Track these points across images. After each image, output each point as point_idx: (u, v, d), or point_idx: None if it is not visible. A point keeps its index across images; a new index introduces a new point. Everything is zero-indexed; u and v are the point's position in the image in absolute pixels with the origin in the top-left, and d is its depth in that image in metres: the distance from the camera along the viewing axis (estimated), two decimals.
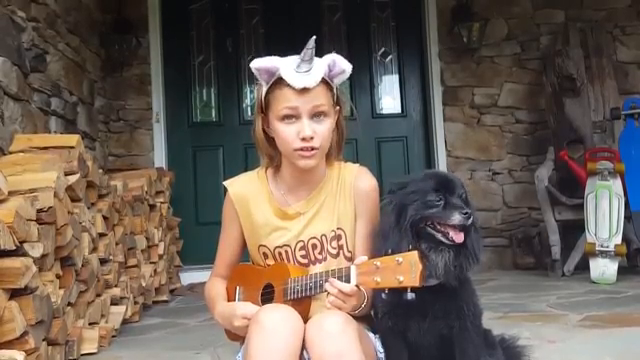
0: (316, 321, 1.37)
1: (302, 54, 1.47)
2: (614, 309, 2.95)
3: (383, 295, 1.41)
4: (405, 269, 1.25)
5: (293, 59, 1.50)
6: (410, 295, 1.28)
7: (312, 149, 1.50)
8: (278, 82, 1.50)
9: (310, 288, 1.42)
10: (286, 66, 1.48)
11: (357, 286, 1.35)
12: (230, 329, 1.54)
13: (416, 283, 1.24)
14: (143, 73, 4.88)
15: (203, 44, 5.12)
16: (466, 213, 1.38)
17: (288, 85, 1.48)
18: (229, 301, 1.62)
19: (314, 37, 1.47)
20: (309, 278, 1.44)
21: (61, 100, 3.66)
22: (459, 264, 1.39)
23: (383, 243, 1.39)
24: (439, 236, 1.40)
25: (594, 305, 3.05)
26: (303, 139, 1.48)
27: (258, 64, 1.51)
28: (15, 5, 3.09)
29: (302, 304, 1.46)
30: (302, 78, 1.47)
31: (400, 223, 1.39)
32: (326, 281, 1.38)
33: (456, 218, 1.38)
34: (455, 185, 1.44)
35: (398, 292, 1.32)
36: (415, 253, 1.27)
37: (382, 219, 1.48)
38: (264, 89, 1.54)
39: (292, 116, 1.49)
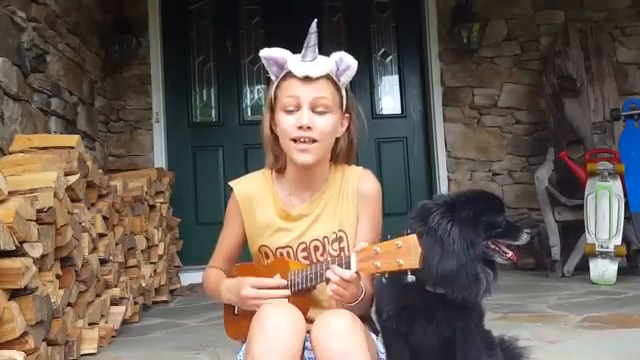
0: (323, 321, 1.37)
1: (306, 40, 1.49)
2: (614, 310, 2.95)
3: (383, 279, 1.41)
4: (405, 252, 1.25)
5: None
6: (410, 278, 1.27)
7: (310, 141, 1.49)
8: (286, 75, 1.52)
9: (311, 279, 1.42)
10: (293, 58, 1.52)
11: (357, 273, 1.35)
12: (237, 302, 1.53)
13: (416, 265, 1.24)
14: (143, 73, 4.88)
15: (203, 44, 5.12)
16: (529, 232, 1.39)
17: (294, 76, 1.50)
18: (230, 304, 1.63)
19: (315, 20, 1.50)
20: (309, 269, 1.44)
21: (61, 100, 3.66)
22: (493, 284, 1.39)
23: (447, 260, 1.33)
24: (497, 255, 1.40)
25: (594, 306, 3.05)
26: (300, 127, 1.49)
27: (267, 53, 1.54)
28: (15, 5, 3.09)
29: (303, 297, 1.46)
30: (305, 66, 1.49)
31: (476, 244, 1.35)
32: (327, 269, 1.38)
33: (523, 238, 1.39)
34: (504, 205, 1.44)
35: (399, 276, 1.30)
36: (414, 236, 1.26)
37: (442, 238, 1.35)
38: (274, 84, 1.56)
39: (293, 106, 1.50)
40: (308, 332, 1.39)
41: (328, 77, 1.52)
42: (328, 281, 1.36)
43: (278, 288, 1.45)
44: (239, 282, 1.51)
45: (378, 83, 5.23)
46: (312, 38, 1.49)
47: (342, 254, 1.49)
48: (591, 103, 4.53)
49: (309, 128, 1.49)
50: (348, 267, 1.34)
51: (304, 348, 1.39)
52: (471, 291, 1.35)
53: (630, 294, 3.36)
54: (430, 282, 1.36)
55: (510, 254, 1.39)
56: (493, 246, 1.40)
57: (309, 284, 1.43)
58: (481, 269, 1.35)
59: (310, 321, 1.41)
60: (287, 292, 1.45)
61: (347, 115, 1.59)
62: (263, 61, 1.55)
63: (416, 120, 5.17)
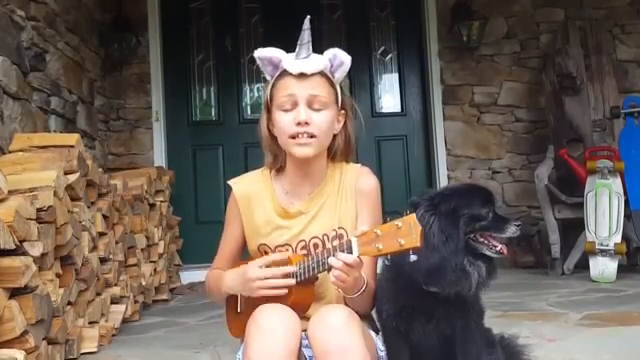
0: (319, 316, 1.37)
1: (299, 38, 1.50)
2: (614, 308, 2.95)
3: (386, 262, 1.40)
4: (405, 232, 1.25)
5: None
6: (413, 257, 1.27)
7: (308, 136, 1.50)
8: (281, 73, 1.53)
9: (312, 268, 1.41)
10: (287, 56, 1.53)
11: (359, 258, 1.34)
12: (242, 287, 1.51)
13: (417, 243, 1.23)
14: (143, 72, 4.88)
15: (203, 43, 5.12)
16: (518, 225, 1.36)
17: (289, 74, 1.51)
18: (233, 303, 1.62)
19: (308, 17, 1.51)
20: (310, 259, 1.43)
21: (61, 99, 3.66)
22: (487, 278, 1.37)
23: (431, 255, 1.32)
24: (485, 249, 1.37)
25: (594, 304, 3.06)
26: (298, 124, 1.49)
27: (261, 53, 1.55)
28: (14, 4, 3.09)
29: (306, 290, 1.46)
30: (300, 63, 1.50)
31: (454, 237, 1.34)
32: (327, 257, 1.37)
33: (511, 230, 1.36)
34: (495, 198, 1.41)
35: (402, 256, 1.30)
36: (413, 215, 1.26)
37: (425, 232, 1.33)
38: (270, 84, 1.56)
39: (290, 104, 1.51)
40: (305, 330, 1.39)
41: (322, 74, 1.53)
42: (330, 269, 1.36)
43: (282, 261, 1.45)
44: (244, 267, 1.51)
45: (378, 81, 5.23)
46: (305, 35, 1.50)
47: (343, 240, 1.49)
48: (591, 101, 4.53)
49: (307, 124, 1.49)
50: (350, 252, 1.34)
51: (302, 346, 1.39)
52: (462, 286, 1.33)
53: (630, 292, 3.37)
54: (421, 280, 1.35)
55: (499, 247, 1.36)
56: (482, 239, 1.37)
57: (311, 274, 1.42)
58: (469, 262, 1.34)
59: (309, 318, 1.41)
60: (292, 269, 1.44)
61: (343, 112, 1.59)
62: (258, 61, 1.56)
63: (416, 118, 5.17)
